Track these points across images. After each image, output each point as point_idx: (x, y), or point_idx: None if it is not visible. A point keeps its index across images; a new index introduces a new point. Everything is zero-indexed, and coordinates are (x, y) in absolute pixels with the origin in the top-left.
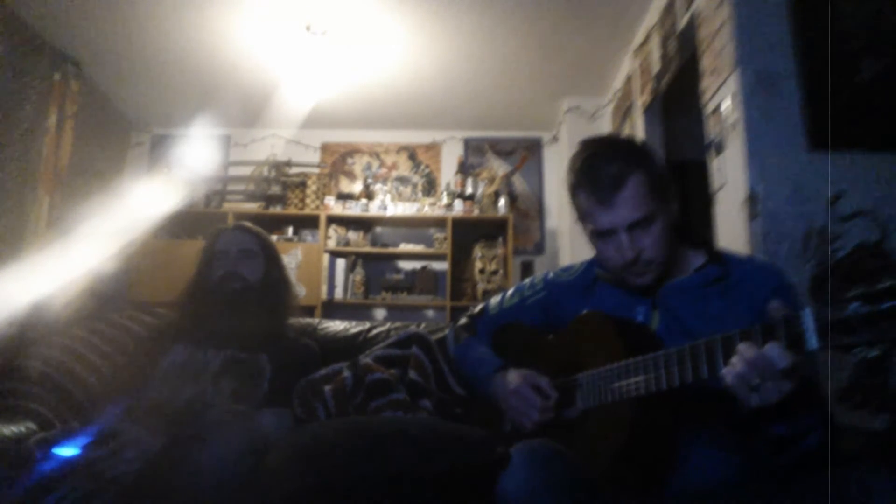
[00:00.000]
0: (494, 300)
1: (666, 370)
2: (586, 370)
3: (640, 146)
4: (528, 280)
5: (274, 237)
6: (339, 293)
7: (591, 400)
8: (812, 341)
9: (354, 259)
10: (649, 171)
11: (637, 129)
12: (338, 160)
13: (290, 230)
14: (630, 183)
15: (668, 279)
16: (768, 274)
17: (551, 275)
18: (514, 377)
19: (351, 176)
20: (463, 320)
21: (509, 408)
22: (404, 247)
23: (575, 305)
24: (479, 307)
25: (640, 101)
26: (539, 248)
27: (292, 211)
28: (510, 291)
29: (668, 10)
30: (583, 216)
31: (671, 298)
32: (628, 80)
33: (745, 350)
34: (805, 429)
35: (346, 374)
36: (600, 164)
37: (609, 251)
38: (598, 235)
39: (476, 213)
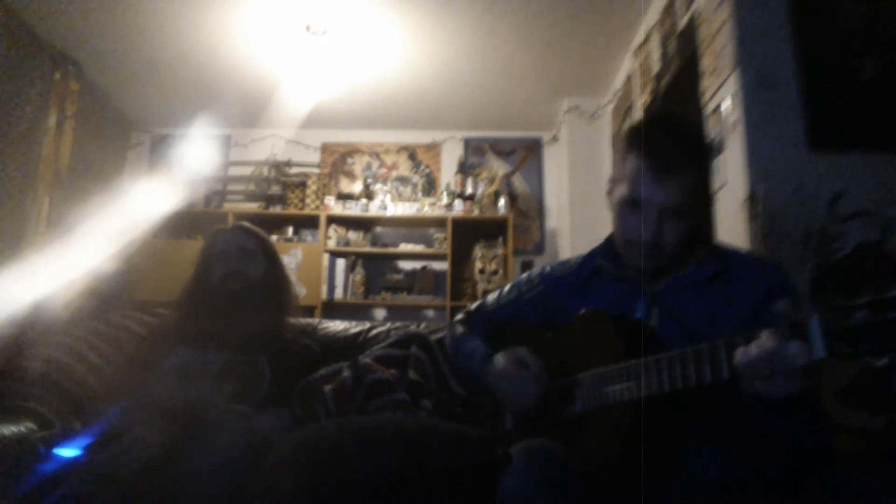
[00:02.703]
0: (492, 296)
1: (668, 373)
2: (586, 370)
3: (710, 145)
4: (525, 275)
5: (274, 237)
6: (339, 293)
7: (592, 400)
8: (819, 351)
9: (354, 259)
10: (705, 169)
11: None
12: (338, 160)
13: (290, 230)
14: (687, 171)
15: (666, 274)
16: (766, 269)
17: (548, 269)
18: (500, 360)
19: (351, 176)
20: (459, 316)
21: (500, 392)
22: (404, 247)
23: (572, 301)
24: (475, 304)
25: (640, 101)
26: (539, 249)
27: (292, 211)
28: (507, 287)
29: (668, 10)
30: (621, 179)
31: (669, 294)
32: (628, 80)
33: (765, 339)
34: (802, 427)
35: (346, 374)
36: (671, 139)
37: (630, 223)
38: (628, 204)
39: (476, 213)
